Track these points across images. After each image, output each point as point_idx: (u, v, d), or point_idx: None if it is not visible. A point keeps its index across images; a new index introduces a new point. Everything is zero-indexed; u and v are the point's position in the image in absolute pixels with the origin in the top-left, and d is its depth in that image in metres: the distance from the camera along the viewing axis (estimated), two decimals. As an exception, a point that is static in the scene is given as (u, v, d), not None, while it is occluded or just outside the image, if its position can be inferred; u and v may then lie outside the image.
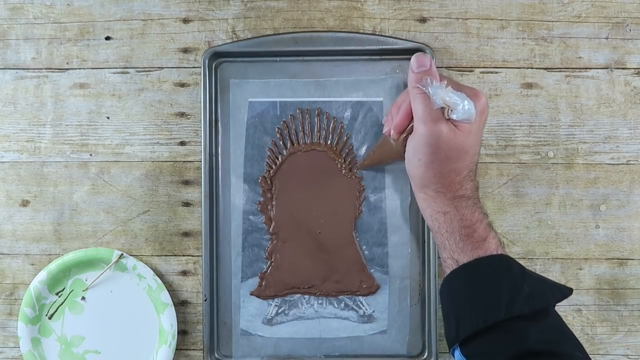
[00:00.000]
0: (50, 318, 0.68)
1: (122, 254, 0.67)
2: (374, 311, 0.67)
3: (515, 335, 0.51)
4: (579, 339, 0.68)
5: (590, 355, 0.68)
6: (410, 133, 0.57)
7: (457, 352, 0.54)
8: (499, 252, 0.55)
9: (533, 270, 0.68)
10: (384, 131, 0.62)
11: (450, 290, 0.55)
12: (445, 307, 0.56)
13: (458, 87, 0.55)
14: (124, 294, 0.68)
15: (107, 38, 0.69)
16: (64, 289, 0.68)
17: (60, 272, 0.67)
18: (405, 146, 0.58)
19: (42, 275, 0.67)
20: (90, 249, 0.68)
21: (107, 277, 0.68)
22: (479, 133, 0.56)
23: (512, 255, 0.67)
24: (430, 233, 0.66)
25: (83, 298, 0.68)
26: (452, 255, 0.55)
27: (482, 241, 0.55)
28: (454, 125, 0.54)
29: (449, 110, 0.54)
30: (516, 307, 0.51)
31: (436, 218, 0.56)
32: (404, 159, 0.59)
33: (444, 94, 0.53)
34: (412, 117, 0.57)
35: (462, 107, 0.53)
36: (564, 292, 0.55)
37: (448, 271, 0.56)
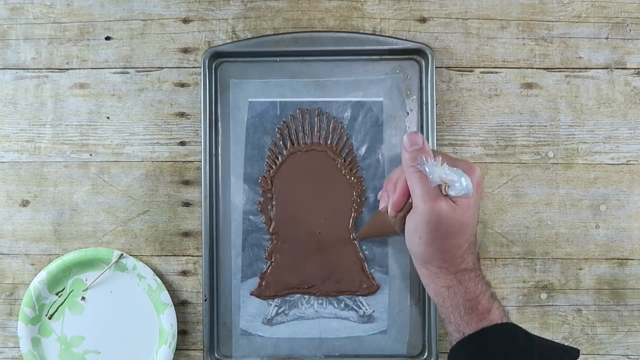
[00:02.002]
0: (50, 318, 0.68)
1: (122, 254, 0.67)
2: (374, 311, 0.67)
3: None
4: (578, 338, 0.68)
5: (590, 355, 0.68)
6: (408, 210, 0.57)
7: None
8: (504, 321, 0.55)
9: (533, 270, 0.68)
10: (380, 207, 0.61)
11: None
12: None
13: (453, 163, 0.55)
14: (124, 294, 0.68)
15: (107, 38, 0.69)
16: (64, 289, 0.68)
17: (60, 272, 0.67)
18: (403, 223, 0.58)
19: (42, 275, 0.67)
20: (90, 249, 0.68)
21: (107, 277, 0.68)
22: (477, 206, 0.56)
23: (511, 256, 0.68)
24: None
25: (83, 298, 0.68)
26: (457, 328, 0.55)
27: (486, 312, 0.55)
28: (453, 201, 0.54)
29: (447, 187, 0.54)
30: None
31: (440, 293, 0.57)
32: (401, 235, 0.59)
33: (440, 172, 0.53)
34: (409, 195, 0.57)
35: (460, 183, 0.53)
36: (572, 355, 0.55)
37: (453, 342, 0.56)
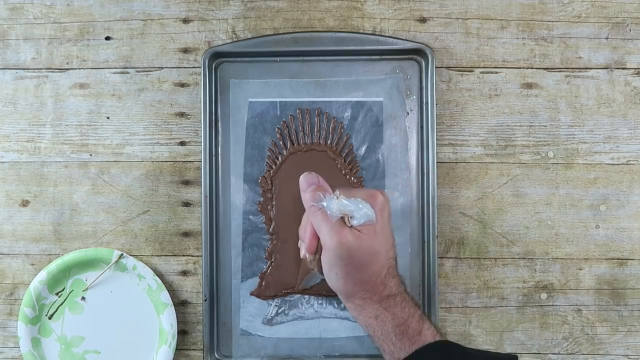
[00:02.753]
0: (50, 318, 0.68)
1: (122, 254, 0.67)
2: (374, 311, 0.67)
3: None
4: (578, 338, 0.68)
5: (590, 355, 0.68)
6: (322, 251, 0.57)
7: None
8: (437, 339, 0.55)
9: (533, 270, 0.68)
10: (301, 255, 0.61)
11: None
12: None
13: (352, 193, 0.55)
14: (124, 294, 0.68)
15: (107, 38, 0.69)
16: (64, 289, 0.68)
17: (60, 272, 0.67)
18: (321, 264, 0.58)
19: (42, 275, 0.67)
20: (90, 249, 0.68)
21: (107, 277, 0.68)
22: (385, 230, 0.56)
23: (511, 256, 0.68)
24: (430, 238, 0.66)
25: (83, 298, 0.68)
26: (392, 356, 0.55)
27: (417, 335, 0.55)
28: (358, 230, 0.54)
29: (349, 218, 0.54)
30: None
31: (369, 324, 0.56)
32: (323, 275, 0.58)
33: (338, 205, 0.54)
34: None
35: (359, 211, 0.54)
36: None
37: None
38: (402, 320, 0.55)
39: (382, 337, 0.56)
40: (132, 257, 0.68)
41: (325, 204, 0.54)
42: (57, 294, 0.68)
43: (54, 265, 0.67)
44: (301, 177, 0.57)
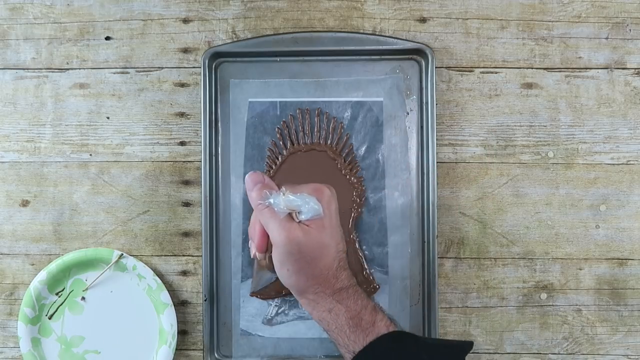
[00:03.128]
0: (50, 318, 0.68)
1: (122, 254, 0.67)
2: (373, 311, 0.67)
3: None
4: (579, 338, 0.68)
5: (590, 355, 0.68)
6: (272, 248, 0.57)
7: None
8: (390, 330, 0.55)
9: (533, 270, 0.68)
10: (251, 255, 0.60)
11: None
12: None
13: (298, 189, 0.55)
14: (124, 294, 0.68)
15: (107, 38, 0.69)
16: (64, 289, 0.68)
17: (60, 272, 0.67)
18: (272, 262, 0.58)
19: (42, 275, 0.67)
20: (90, 249, 0.68)
21: (107, 277, 0.68)
22: (333, 223, 0.56)
23: (511, 256, 0.68)
24: (430, 238, 0.66)
25: (83, 298, 0.68)
26: (347, 349, 0.55)
27: (370, 326, 0.55)
28: (307, 225, 0.54)
29: (297, 213, 0.55)
30: None
31: (323, 317, 0.56)
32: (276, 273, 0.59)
33: (285, 201, 0.54)
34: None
35: (306, 206, 0.54)
36: (464, 348, 0.55)
37: None
38: (355, 312, 0.55)
39: (336, 331, 0.56)
40: (132, 257, 0.68)
41: (272, 200, 0.54)
42: (57, 294, 0.68)
43: (54, 265, 0.67)
44: (246, 176, 0.57)
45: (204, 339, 0.67)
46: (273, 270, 0.57)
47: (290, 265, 0.55)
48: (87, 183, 0.69)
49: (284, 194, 0.54)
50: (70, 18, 0.69)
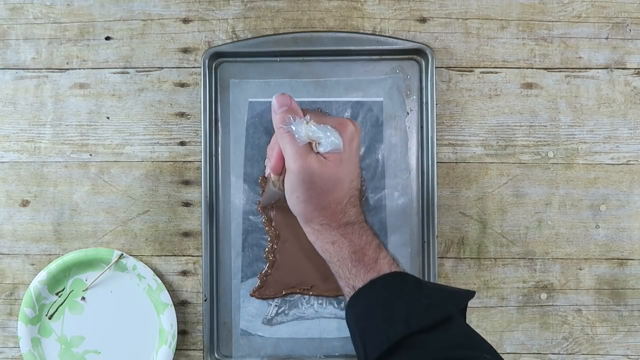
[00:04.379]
0: (50, 318, 0.68)
1: (122, 254, 0.67)
2: (373, 311, 0.67)
3: (419, 349, 0.51)
4: (578, 338, 0.68)
5: (590, 355, 0.68)
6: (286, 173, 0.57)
7: None
8: (392, 270, 0.55)
9: (533, 270, 0.68)
10: (266, 174, 0.60)
11: (352, 316, 0.55)
12: (352, 334, 0.56)
13: (322, 120, 0.55)
14: (124, 294, 0.68)
15: (107, 38, 0.69)
16: (64, 289, 0.68)
17: (60, 272, 0.67)
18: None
19: (42, 275, 0.67)
20: (90, 249, 0.68)
21: (107, 277, 0.68)
22: (352, 160, 0.56)
23: (511, 256, 0.68)
24: (430, 238, 0.66)
25: (83, 298, 0.68)
26: (348, 282, 0.55)
27: (373, 263, 0.55)
28: (324, 157, 0.54)
29: (316, 144, 0.54)
30: (413, 321, 0.51)
31: (326, 249, 0.56)
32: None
33: (306, 130, 0.53)
34: None
35: (326, 139, 0.54)
36: (465, 296, 0.55)
37: (347, 299, 0.56)
38: (358, 247, 0.55)
39: (338, 263, 0.56)
40: (132, 257, 0.68)
41: (294, 127, 0.54)
42: (57, 294, 0.68)
43: (54, 265, 0.67)
44: (273, 98, 0.56)
45: (204, 339, 0.67)
46: (283, 192, 0.57)
47: (300, 193, 0.54)
48: (87, 183, 0.69)
49: (307, 123, 0.54)
50: (70, 18, 0.69)
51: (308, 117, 0.54)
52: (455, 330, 0.52)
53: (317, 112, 0.55)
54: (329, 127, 0.54)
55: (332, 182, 0.54)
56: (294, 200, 0.55)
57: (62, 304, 0.68)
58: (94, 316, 0.68)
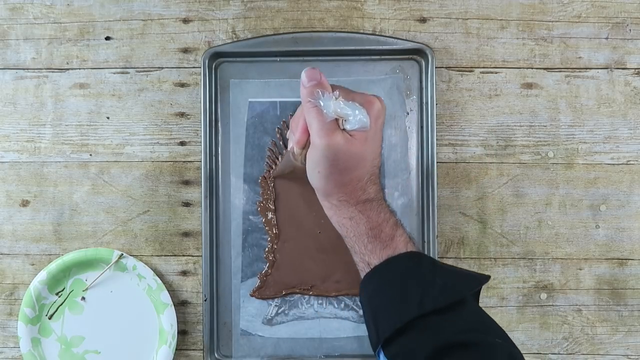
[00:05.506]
0: (50, 318, 0.68)
1: (122, 254, 0.67)
2: (373, 311, 0.67)
3: (431, 331, 0.50)
4: (578, 338, 0.68)
5: (590, 355, 0.68)
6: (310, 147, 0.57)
7: (381, 354, 0.53)
8: (409, 249, 0.55)
9: (533, 270, 0.68)
10: (288, 147, 0.60)
11: (366, 294, 0.55)
12: (364, 311, 0.56)
13: (350, 96, 0.55)
14: (124, 294, 0.68)
15: (107, 38, 0.69)
16: (64, 289, 0.68)
17: (60, 272, 0.67)
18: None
19: (42, 275, 0.67)
20: (90, 249, 0.68)
21: (107, 277, 0.68)
22: (376, 138, 0.56)
23: (511, 256, 0.68)
24: (430, 238, 0.66)
25: (83, 298, 0.68)
26: (363, 258, 0.55)
27: (389, 240, 0.55)
28: (350, 135, 0.54)
29: (343, 121, 0.54)
30: (428, 302, 0.51)
31: (343, 224, 0.56)
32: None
33: (335, 106, 0.53)
34: None
35: (354, 116, 0.53)
36: (480, 280, 0.54)
37: (362, 275, 0.56)
38: (376, 223, 0.55)
39: (354, 238, 0.56)
40: (132, 257, 0.68)
41: (322, 102, 0.53)
42: (57, 294, 0.68)
43: (54, 265, 0.67)
44: (303, 72, 0.55)
45: (204, 339, 0.67)
46: (303, 165, 0.57)
47: (322, 169, 0.54)
48: (87, 183, 0.69)
49: (335, 98, 0.53)
50: (70, 18, 0.69)
51: (337, 92, 0.54)
52: (468, 314, 0.52)
53: (343, 88, 0.55)
54: (357, 104, 0.54)
55: (355, 160, 0.54)
56: (316, 175, 0.55)
57: (62, 304, 0.68)
58: (94, 316, 0.68)
